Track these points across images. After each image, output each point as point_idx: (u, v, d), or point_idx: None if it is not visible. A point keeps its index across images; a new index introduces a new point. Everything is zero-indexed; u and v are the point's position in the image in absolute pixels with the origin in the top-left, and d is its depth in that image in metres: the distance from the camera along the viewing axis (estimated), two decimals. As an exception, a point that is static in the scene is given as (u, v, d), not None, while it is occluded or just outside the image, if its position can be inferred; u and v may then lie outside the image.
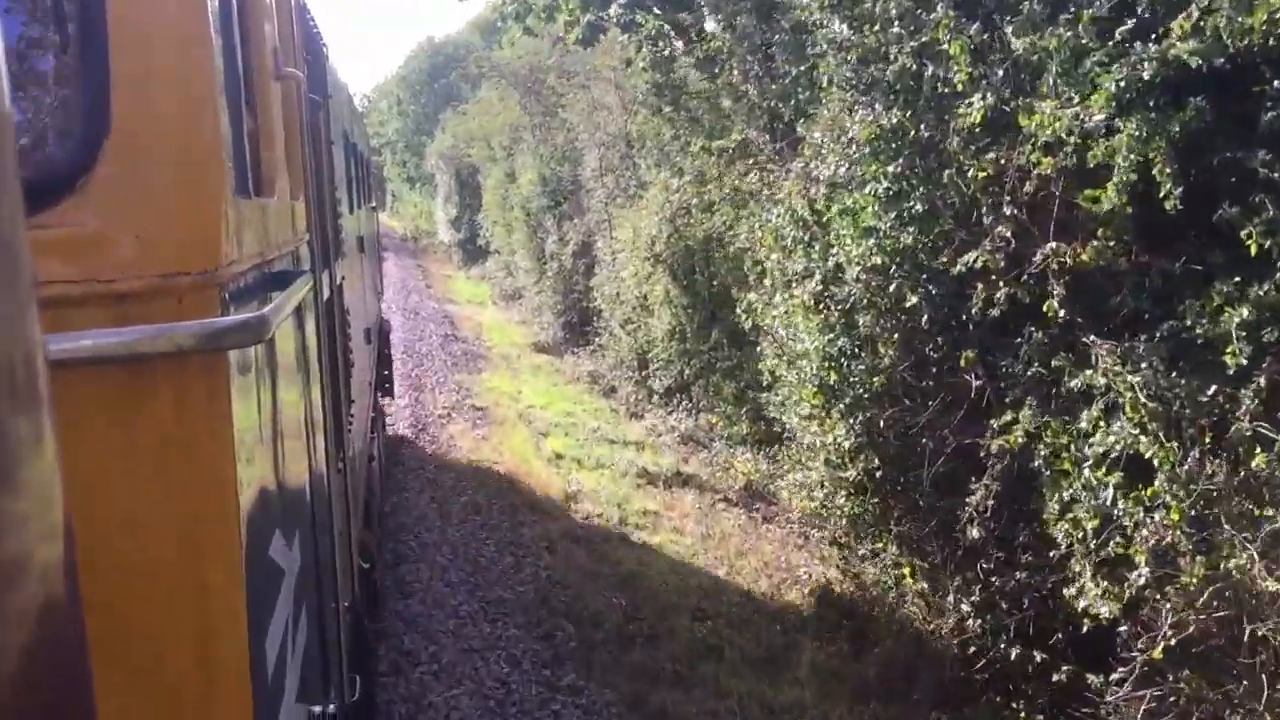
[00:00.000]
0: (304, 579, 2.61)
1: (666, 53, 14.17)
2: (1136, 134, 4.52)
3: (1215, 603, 4.40)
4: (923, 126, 6.03)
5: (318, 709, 2.82)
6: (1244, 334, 4.31)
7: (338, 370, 3.93)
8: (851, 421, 6.42)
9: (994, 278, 5.28)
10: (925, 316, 6.23)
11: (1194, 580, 4.36)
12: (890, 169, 6.28)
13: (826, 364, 7.15)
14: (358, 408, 5.38)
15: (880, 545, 6.89)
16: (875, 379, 6.72)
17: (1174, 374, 4.56)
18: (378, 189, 23.56)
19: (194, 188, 1.91)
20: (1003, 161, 5.29)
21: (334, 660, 3.18)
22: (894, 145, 6.29)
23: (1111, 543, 4.79)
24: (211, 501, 1.88)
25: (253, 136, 2.42)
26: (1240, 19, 4.17)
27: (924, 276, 6.34)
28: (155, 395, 1.84)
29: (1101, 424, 4.80)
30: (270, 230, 2.43)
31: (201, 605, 1.90)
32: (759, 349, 9.76)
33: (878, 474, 6.96)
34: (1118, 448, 4.62)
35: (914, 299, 6.30)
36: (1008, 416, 5.56)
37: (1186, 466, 4.44)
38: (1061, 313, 4.98)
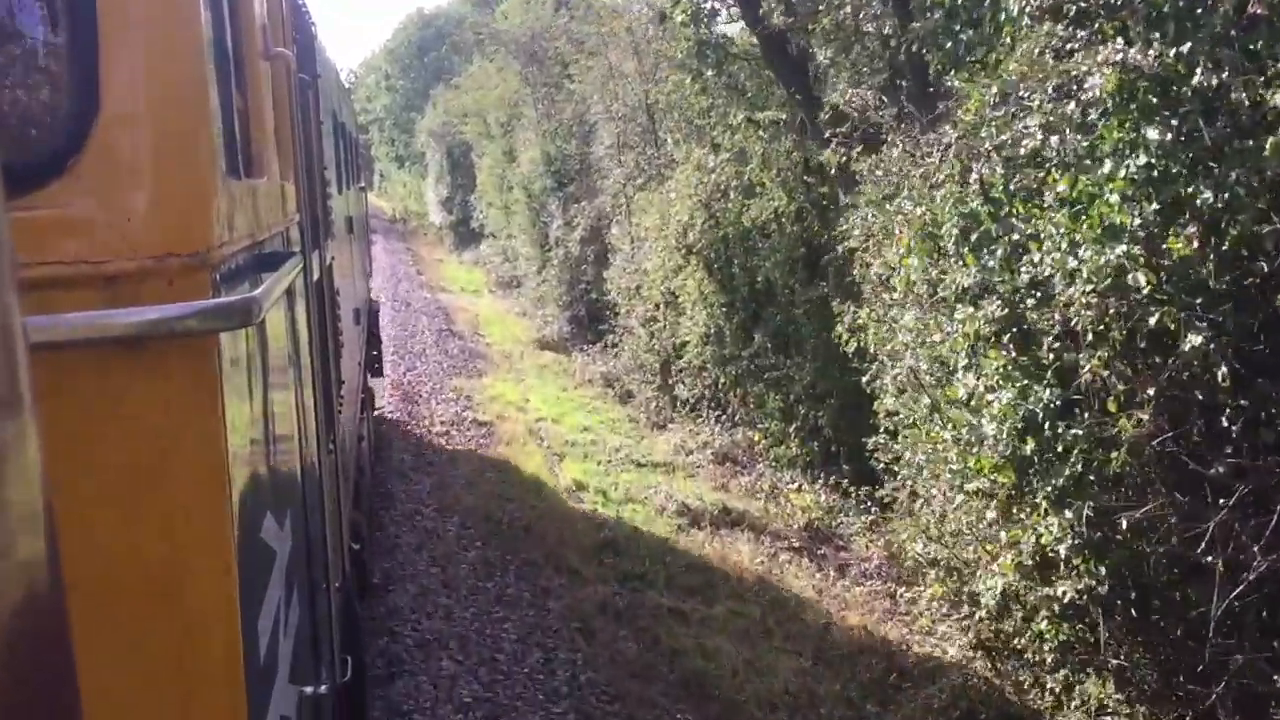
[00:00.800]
0: (295, 560, 2.64)
1: (709, 4, 12.55)
2: None
3: None
4: (1212, 68, 4.28)
5: (309, 689, 2.79)
6: None
7: (328, 351, 3.96)
8: (1067, 515, 4.08)
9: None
10: (1216, 366, 4.44)
11: None
12: (1152, 134, 4.57)
13: (1019, 425, 5.39)
14: (348, 388, 5.52)
15: (1098, 691, 4.71)
16: (1112, 455, 4.96)
17: None
18: (365, 169, 22.54)
19: (184, 169, 1.92)
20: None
21: (325, 641, 3.16)
22: (1157, 99, 4.61)
23: None
24: (202, 483, 1.89)
25: (242, 117, 2.43)
26: None
27: (1201, 302, 4.62)
28: (146, 377, 1.84)
29: None
30: (260, 211, 2.45)
31: (193, 587, 1.89)
32: (870, 379, 8.27)
33: (1106, 592, 5.27)
34: None
35: (1195, 339, 4.53)
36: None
37: None
38: None
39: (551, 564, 8.71)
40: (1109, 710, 4.97)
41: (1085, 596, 4.72)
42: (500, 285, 29.39)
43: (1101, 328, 4.29)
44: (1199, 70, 3.86)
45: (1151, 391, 4.17)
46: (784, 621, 7.67)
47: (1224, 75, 3.83)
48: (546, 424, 13.85)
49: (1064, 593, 4.73)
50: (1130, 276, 4.04)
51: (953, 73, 5.92)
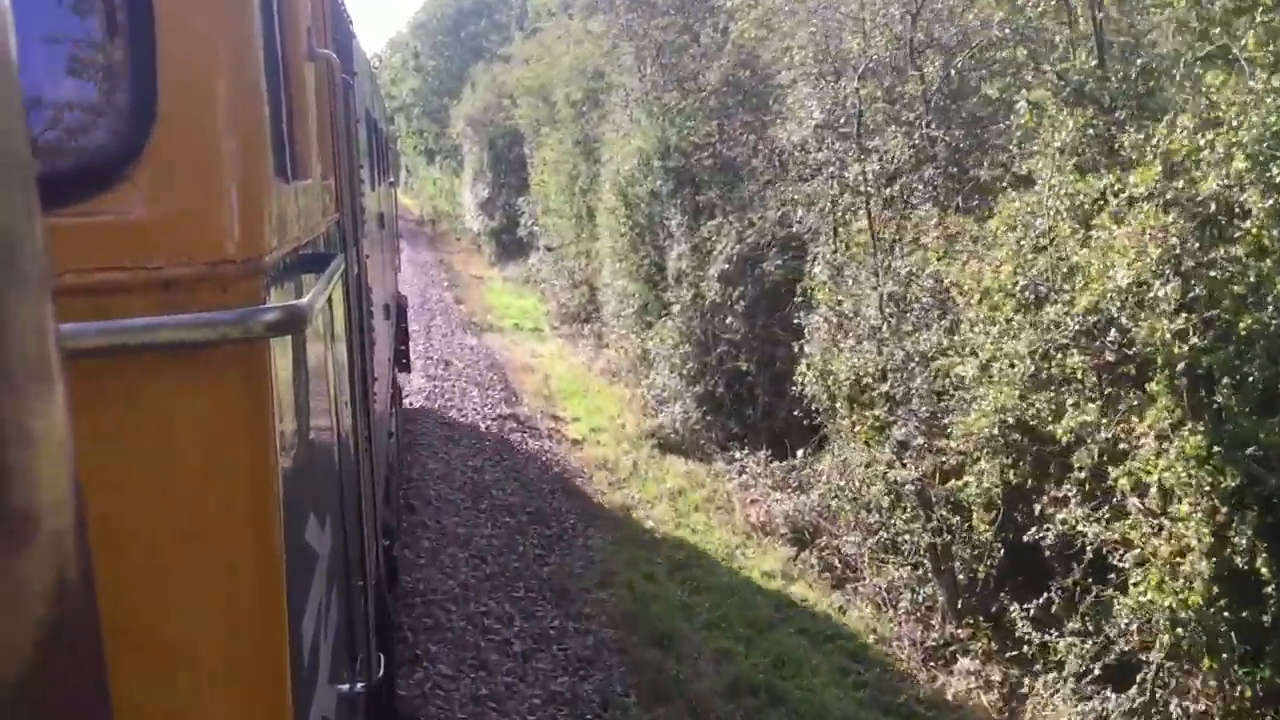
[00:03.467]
0: (335, 560, 2.92)
1: None
2: None
3: None
4: None
5: (346, 688, 2.99)
6: None
7: (364, 349, 4.25)
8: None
9: None
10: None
11: None
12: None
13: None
14: (380, 385, 5.98)
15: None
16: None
17: None
18: (394, 164, 18.93)
19: (240, 175, 2.16)
20: None
21: (360, 639, 3.39)
22: None
23: None
24: (253, 488, 2.15)
25: (289, 119, 2.75)
26: None
27: None
28: (200, 382, 2.10)
29: None
30: (305, 213, 2.75)
31: (243, 591, 2.16)
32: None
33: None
34: None
35: None
36: None
37: None
38: None
39: None
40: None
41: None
42: (566, 318, 23.63)
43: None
44: None
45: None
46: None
47: None
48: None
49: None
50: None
51: None
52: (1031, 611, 9.02)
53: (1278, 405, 7.82)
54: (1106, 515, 8.32)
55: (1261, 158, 7.34)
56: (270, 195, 2.21)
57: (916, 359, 10.11)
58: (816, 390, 11.38)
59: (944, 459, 9.76)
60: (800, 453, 12.57)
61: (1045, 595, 8.96)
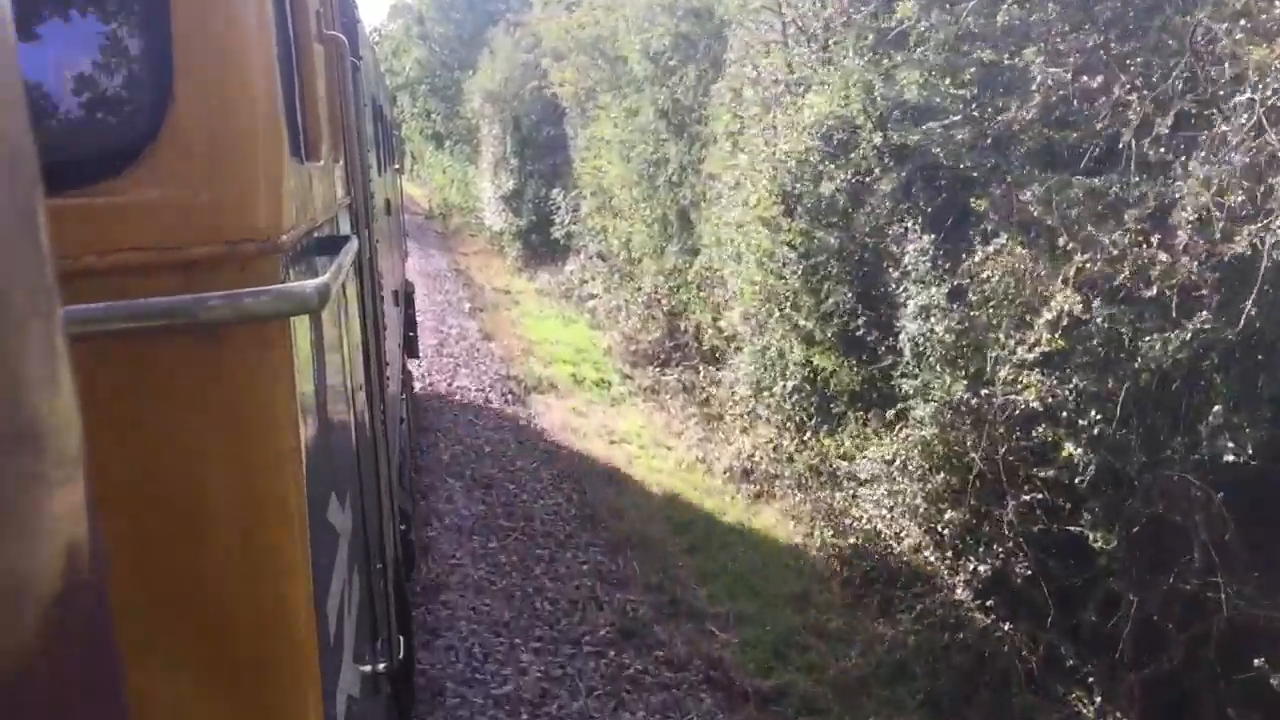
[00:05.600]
0: (355, 541, 2.94)
1: None
2: None
3: None
4: None
5: (367, 669, 3.01)
6: None
7: (377, 331, 4.28)
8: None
9: None
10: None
11: None
12: None
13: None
14: (391, 370, 6.07)
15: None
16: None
17: None
18: (398, 150, 17.79)
19: (257, 154, 2.18)
20: None
21: (381, 621, 3.40)
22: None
23: None
24: (276, 467, 2.16)
25: (301, 101, 2.74)
26: None
27: None
28: (220, 363, 2.12)
29: None
30: (318, 195, 2.78)
31: (268, 570, 2.15)
32: None
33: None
34: None
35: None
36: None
37: None
38: None
39: None
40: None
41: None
42: (639, 358, 16.71)
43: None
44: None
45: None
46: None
47: None
48: None
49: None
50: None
51: None
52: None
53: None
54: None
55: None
56: (287, 175, 2.21)
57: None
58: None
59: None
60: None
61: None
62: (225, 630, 2.06)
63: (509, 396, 15.00)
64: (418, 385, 13.82)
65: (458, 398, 14.90)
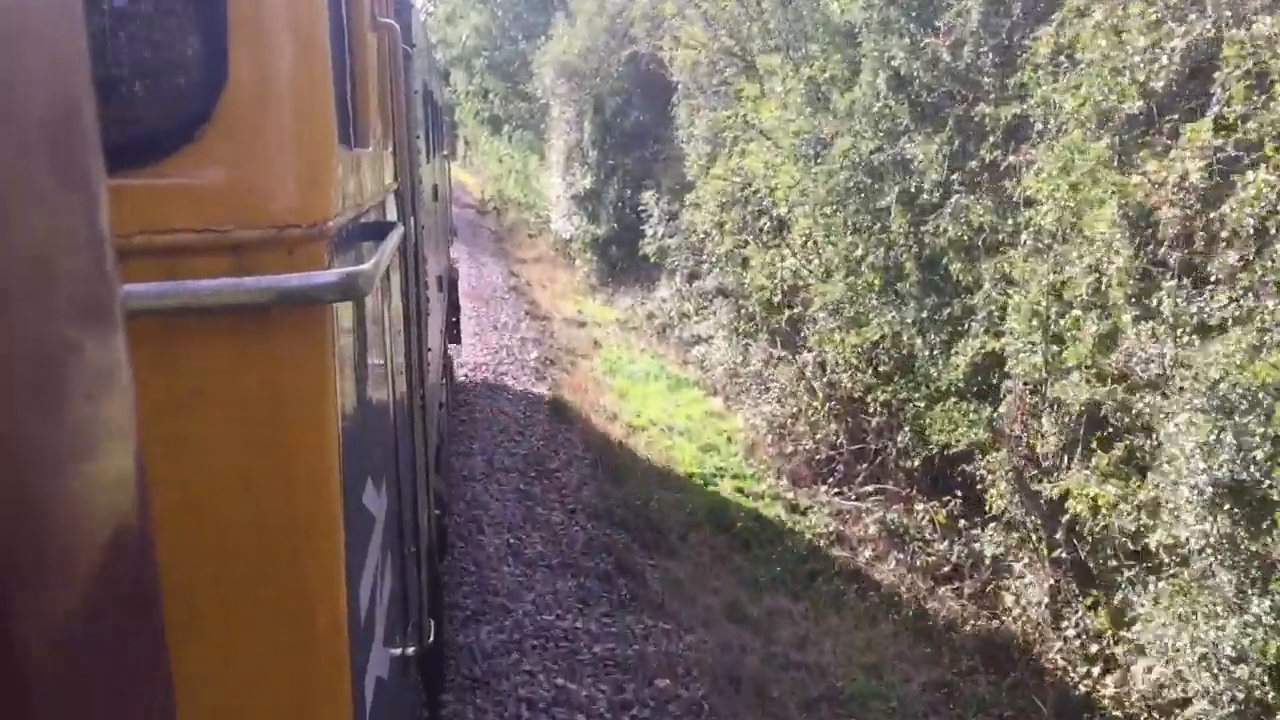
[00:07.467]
0: (389, 525, 2.98)
1: None
2: None
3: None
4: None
5: (398, 652, 3.05)
6: None
7: (419, 318, 4.39)
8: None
9: None
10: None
11: None
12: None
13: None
14: (433, 355, 6.19)
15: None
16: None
17: None
18: (448, 136, 17.82)
19: (307, 140, 2.21)
20: None
21: (413, 604, 3.45)
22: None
23: None
24: (313, 449, 2.19)
25: (353, 88, 2.79)
26: None
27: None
28: (264, 344, 2.16)
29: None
30: (366, 182, 2.81)
31: (303, 552, 2.20)
32: None
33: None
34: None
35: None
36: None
37: None
38: None
39: None
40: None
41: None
42: (801, 466, 11.94)
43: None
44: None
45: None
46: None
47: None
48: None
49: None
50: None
51: None
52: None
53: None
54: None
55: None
56: (335, 162, 2.23)
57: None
58: None
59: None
60: None
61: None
62: (258, 607, 2.09)
63: (621, 563, 8.70)
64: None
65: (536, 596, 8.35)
